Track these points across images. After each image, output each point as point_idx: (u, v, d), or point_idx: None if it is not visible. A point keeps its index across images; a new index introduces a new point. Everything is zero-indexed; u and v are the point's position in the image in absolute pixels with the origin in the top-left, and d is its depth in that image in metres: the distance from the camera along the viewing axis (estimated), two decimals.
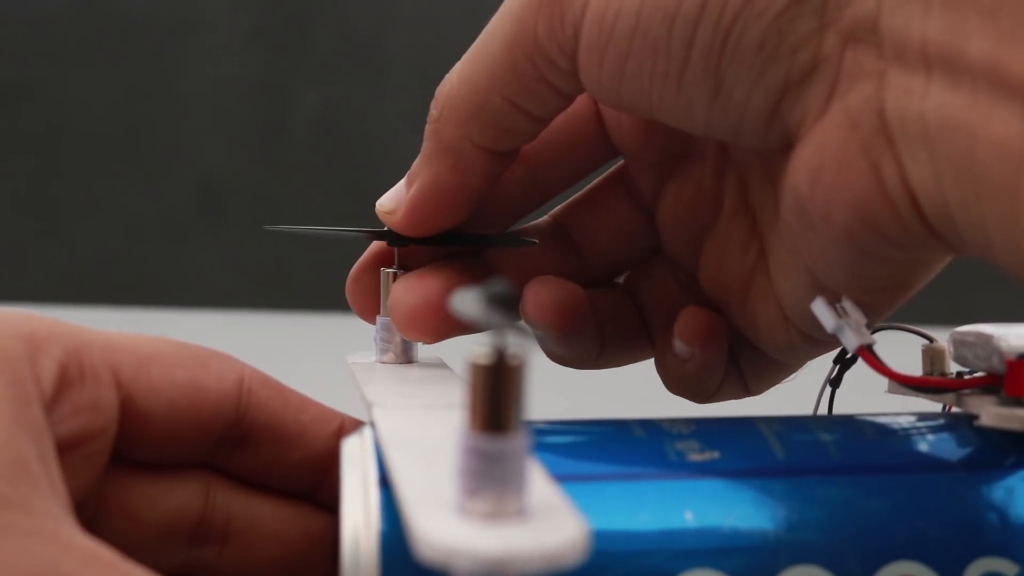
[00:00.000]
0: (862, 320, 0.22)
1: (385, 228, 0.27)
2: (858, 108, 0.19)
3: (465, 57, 0.24)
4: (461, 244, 0.27)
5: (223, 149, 1.60)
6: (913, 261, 0.22)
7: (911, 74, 0.19)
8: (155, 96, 1.61)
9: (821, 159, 0.20)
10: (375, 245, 0.28)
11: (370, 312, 0.28)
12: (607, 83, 0.22)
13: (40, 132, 1.62)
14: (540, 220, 0.29)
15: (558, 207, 0.29)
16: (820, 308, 0.22)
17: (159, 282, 1.60)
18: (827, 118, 0.20)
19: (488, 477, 0.15)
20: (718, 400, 0.28)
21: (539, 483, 0.16)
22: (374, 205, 0.27)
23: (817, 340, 0.24)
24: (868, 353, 0.22)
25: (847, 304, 0.22)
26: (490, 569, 0.14)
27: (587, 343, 0.27)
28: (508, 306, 0.14)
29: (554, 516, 0.15)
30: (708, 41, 0.20)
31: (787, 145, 0.21)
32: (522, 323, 0.15)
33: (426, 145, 0.25)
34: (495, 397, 0.15)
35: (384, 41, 1.57)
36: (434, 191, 0.25)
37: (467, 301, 0.15)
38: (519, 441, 0.15)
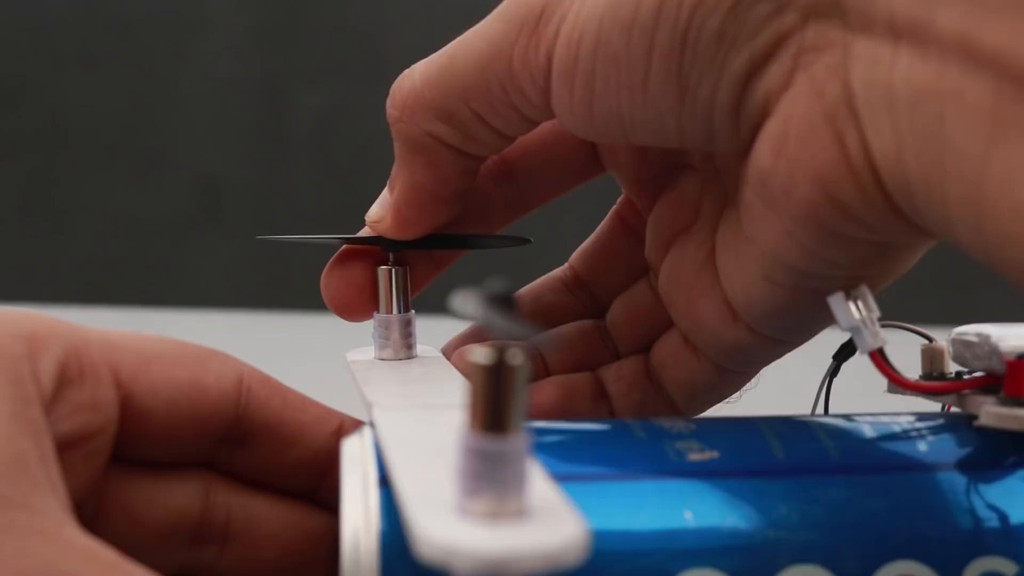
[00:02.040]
0: (876, 316, 0.21)
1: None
2: (822, 77, 0.19)
3: (433, 59, 0.24)
4: (453, 247, 0.28)
5: (223, 149, 1.60)
6: (874, 247, 0.21)
7: (878, 45, 0.18)
8: (155, 96, 1.61)
9: (785, 130, 0.20)
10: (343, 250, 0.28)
11: (352, 308, 0.28)
12: (578, 109, 0.22)
13: (40, 132, 1.61)
14: (556, 271, 0.30)
15: (572, 255, 0.30)
16: (837, 303, 0.21)
17: (159, 282, 1.60)
18: (792, 89, 0.20)
19: (488, 477, 0.15)
20: None
21: (539, 483, 0.16)
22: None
23: (765, 337, 0.24)
24: (880, 357, 0.21)
25: (864, 294, 0.21)
26: (490, 569, 0.14)
27: None
28: (508, 305, 0.14)
29: (554, 516, 0.15)
30: (667, 44, 0.20)
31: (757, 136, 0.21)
32: (522, 323, 0.15)
33: (397, 147, 0.26)
34: (495, 397, 0.15)
35: (384, 41, 1.57)
36: (415, 190, 0.26)
37: (467, 300, 0.15)
38: (519, 441, 0.15)
